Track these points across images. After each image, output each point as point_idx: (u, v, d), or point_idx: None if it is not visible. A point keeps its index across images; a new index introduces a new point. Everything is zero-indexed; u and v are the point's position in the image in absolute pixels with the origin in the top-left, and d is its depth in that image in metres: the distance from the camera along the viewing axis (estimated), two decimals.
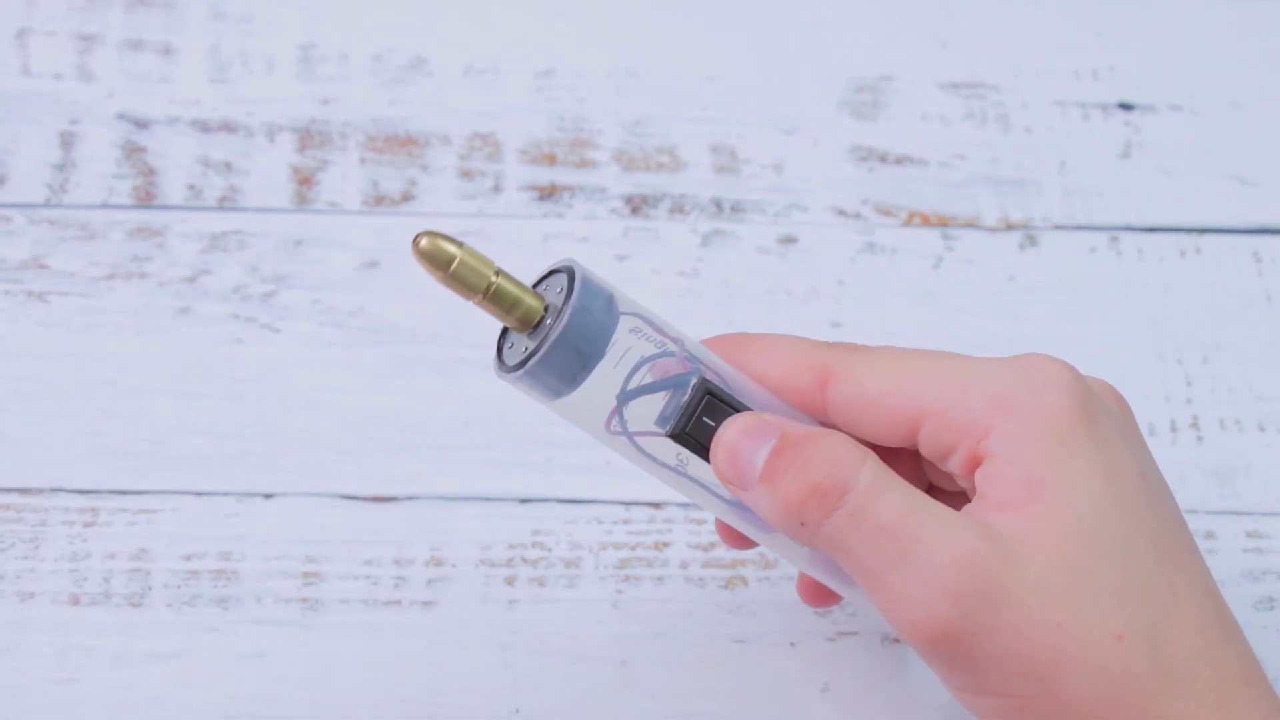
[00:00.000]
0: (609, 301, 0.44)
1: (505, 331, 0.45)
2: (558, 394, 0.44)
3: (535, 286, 0.45)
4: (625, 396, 0.45)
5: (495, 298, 0.43)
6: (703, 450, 0.45)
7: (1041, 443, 0.44)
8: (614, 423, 0.45)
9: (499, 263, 0.44)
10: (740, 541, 0.50)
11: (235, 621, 0.55)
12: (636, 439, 0.45)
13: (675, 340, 0.45)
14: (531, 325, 0.44)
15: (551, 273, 0.45)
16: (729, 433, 0.45)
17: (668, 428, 0.45)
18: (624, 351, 0.44)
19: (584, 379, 0.44)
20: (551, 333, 0.43)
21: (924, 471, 0.49)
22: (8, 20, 0.68)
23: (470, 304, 0.43)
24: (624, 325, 0.44)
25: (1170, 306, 0.63)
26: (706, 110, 0.67)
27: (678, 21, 0.69)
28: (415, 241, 0.43)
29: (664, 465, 0.46)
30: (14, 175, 0.64)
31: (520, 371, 0.44)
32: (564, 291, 0.44)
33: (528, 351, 0.44)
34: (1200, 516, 0.58)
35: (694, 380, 0.45)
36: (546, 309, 0.44)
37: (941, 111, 0.67)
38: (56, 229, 0.63)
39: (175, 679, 0.54)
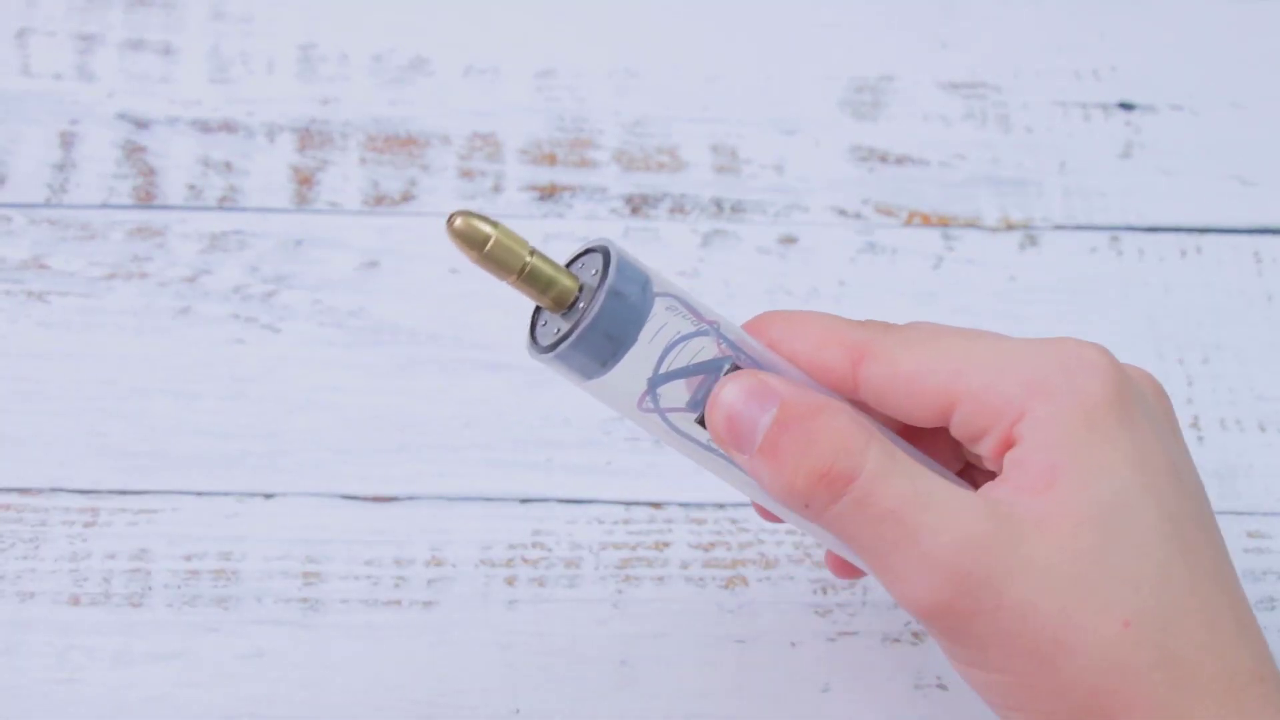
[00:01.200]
0: (645, 284, 0.43)
1: (538, 310, 0.44)
2: (590, 375, 0.43)
3: (569, 265, 0.44)
4: (658, 380, 0.44)
5: (530, 278, 0.42)
6: None
7: (1071, 428, 0.43)
8: (646, 401, 0.44)
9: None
10: (772, 518, 0.50)
11: (235, 621, 0.55)
12: (668, 415, 0.45)
13: (711, 322, 0.44)
14: (566, 306, 0.43)
15: (587, 251, 0.44)
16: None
17: (698, 413, 0.45)
18: (658, 329, 0.43)
19: (617, 362, 0.43)
20: (585, 317, 0.42)
21: (960, 449, 0.48)
22: (8, 20, 0.68)
23: (507, 286, 0.43)
24: (660, 304, 0.43)
25: (1170, 306, 0.63)
26: (707, 110, 0.67)
27: (678, 21, 0.69)
28: (450, 221, 0.42)
29: (696, 443, 0.45)
30: (14, 175, 0.64)
31: (553, 354, 0.43)
32: (599, 273, 0.43)
33: (560, 334, 0.43)
34: None
35: (726, 366, 0.44)
36: (581, 289, 0.43)
37: (942, 111, 0.67)
38: (56, 229, 0.63)
39: (175, 679, 0.54)
